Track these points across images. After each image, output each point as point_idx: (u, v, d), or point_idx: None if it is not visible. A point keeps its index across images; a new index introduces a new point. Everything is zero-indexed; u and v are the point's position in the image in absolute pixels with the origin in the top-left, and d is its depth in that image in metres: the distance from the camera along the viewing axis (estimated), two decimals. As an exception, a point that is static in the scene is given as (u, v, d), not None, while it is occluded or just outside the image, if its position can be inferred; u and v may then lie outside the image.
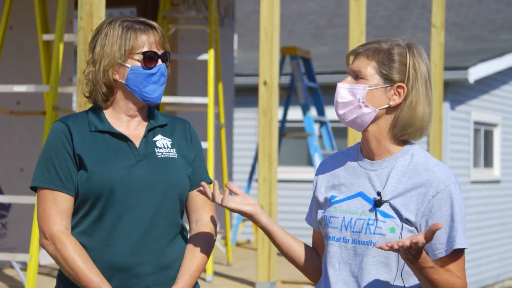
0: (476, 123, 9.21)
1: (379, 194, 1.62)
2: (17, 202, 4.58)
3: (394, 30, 11.01)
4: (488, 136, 9.60)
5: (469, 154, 9.01)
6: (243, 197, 1.70)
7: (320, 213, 1.71)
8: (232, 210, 1.67)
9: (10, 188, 4.85)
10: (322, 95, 6.75)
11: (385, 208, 1.61)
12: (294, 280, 4.76)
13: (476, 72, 8.48)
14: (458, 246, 1.60)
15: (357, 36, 4.81)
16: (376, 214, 1.61)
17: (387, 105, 1.64)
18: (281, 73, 6.32)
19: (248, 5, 11.75)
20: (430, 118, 1.65)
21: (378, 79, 1.64)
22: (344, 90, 1.65)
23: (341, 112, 1.66)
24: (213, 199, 1.68)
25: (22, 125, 4.93)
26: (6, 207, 4.86)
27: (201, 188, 1.71)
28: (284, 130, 6.76)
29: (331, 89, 9.11)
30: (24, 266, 4.51)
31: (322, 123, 6.62)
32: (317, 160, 6.23)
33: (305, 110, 6.37)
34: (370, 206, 1.62)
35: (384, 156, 1.66)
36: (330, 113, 8.33)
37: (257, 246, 4.35)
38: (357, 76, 1.65)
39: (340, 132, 8.36)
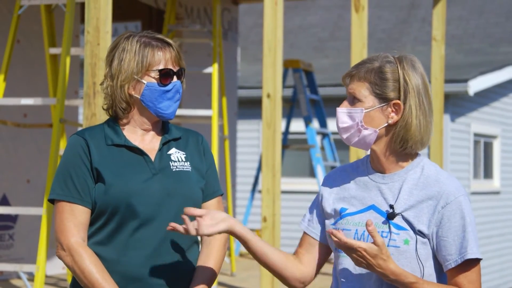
0: (476, 135, 9.28)
1: (391, 206, 1.62)
2: (24, 214, 4.63)
3: (394, 43, 11.10)
4: (488, 147, 9.66)
5: (469, 166, 9.06)
6: (211, 216, 1.66)
7: (329, 225, 1.70)
8: (209, 235, 1.66)
9: (17, 199, 4.90)
10: (324, 107, 6.82)
11: (398, 220, 1.61)
12: (298, 291, 4.78)
13: (476, 85, 8.55)
14: (470, 256, 1.58)
15: (359, 49, 4.87)
16: (389, 226, 1.61)
17: (386, 124, 1.64)
18: (284, 86, 6.39)
19: (250, 19, 11.87)
20: (427, 128, 1.64)
21: (373, 99, 1.64)
22: (343, 115, 1.66)
23: (344, 136, 1.67)
24: (187, 233, 1.65)
25: (29, 138, 4.99)
26: (13, 218, 4.91)
27: (171, 227, 1.67)
28: (287, 142, 6.82)
29: (333, 101, 9.23)
30: (31, 276, 4.55)
31: (324, 135, 6.68)
32: (320, 171, 6.28)
33: (307, 122, 6.43)
34: (383, 219, 1.62)
35: (395, 169, 1.66)
36: (332, 125, 8.41)
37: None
38: (354, 99, 1.66)
39: (342, 144, 8.43)
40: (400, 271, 1.55)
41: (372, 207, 1.65)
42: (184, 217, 1.67)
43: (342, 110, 1.67)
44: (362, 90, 1.64)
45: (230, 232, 1.68)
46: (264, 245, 1.70)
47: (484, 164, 9.53)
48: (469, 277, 1.60)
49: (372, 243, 1.54)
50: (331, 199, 1.71)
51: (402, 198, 1.63)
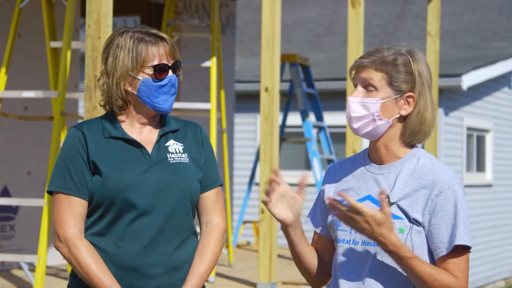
0: (469, 128, 9.38)
1: (387, 196, 1.62)
2: (24, 205, 4.69)
3: (389, 38, 11.18)
4: (481, 141, 9.76)
5: (462, 159, 9.16)
6: (291, 199, 1.66)
7: (329, 217, 1.72)
8: (277, 217, 1.65)
9: (18, 191, 4.94)
10: (320, 101, 6.89)
11: (393, 209, 1.62)
12: (294, 281, 4.86)
13: (469, 79, 8.63)
14: (458, 242, 1.60)
15: (355, 43, 4.94)
16: None
17: (398, 115, 1.65)
18: (281, 80, 6.44)
19: (247, 14, 11.92)
20: (434, 121, 1.68)
21: (389, 91, 1.64)
22: (356, 104, 1.65)
23: (355, 126, 1.66)
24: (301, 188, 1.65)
25: (30, 130, 5.03)
26: (14, 209, 4.96)
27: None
28: (284, 135, 6.88)
29: (328, 95, 9.29)
30: (32, 267, 4.58)
31: (321, 128, 6.76)
32: (316, 164, 6.36)
33: (304, 115, 6.50)
34: (379, 209, 1.61)
35: (392, 160, 1.67)
36: (328, 119, 8.49)
37: (258, 248, 4.45)
38: (368, 87, 1.65)
39: (337, 137, 8.52)
40: (401, 244, 1.57)
41: (369, 197, 1.66)
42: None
43: (355, 99, 1.66)
44: (379, 79, 1.64)
45: (286, 229, 1.68)
46: (305, 250, 1.71)
47: (476, 158, 9.64)
48: (459, 265, 1.61)
49: (379, 210, 1.54)
50: (331, 193, 1.73)
51: (397, 187, 1.64)
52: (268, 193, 1.66)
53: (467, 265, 1.63)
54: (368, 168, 1.70)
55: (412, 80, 1.65)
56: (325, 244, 1.75)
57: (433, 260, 1.65)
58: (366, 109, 1.66)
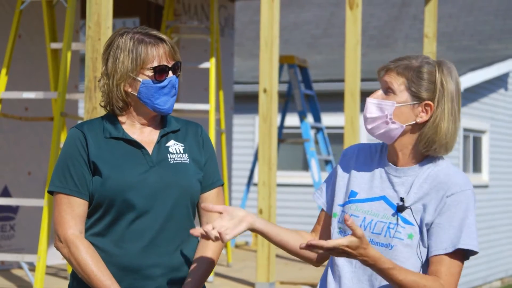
0: (465, 129, 9.43)
1: (402, 200, 1.63)
2: (25, 205, 4.71)
3: (386, 40, 11.24)
4: (477, 142, 9.81)
5: (459, 160, 9.21)
6: (230, 216, 1.64)
7: (338, 207, 1.73)
8: (234, 237, 1.64)
9: (18, 191, 4.96)
10: (318, 102, 6.94)
11: (406, 214, 1.63)
12: (292, 281, 4.88)
13: (466, 81, 8.69)
14: (462, 246, 1.59)
15: (353, 45, 4.97)
16: (397, 219, 1.63)
17: (414, 122, 1.66)
18: (279, 81, 6.49)
19: (246, 16, 11.96)
20: (454, 134, 1.66)
21: (407, 96, 1.65)
22: (373, 105, 1.67)
23: (369, 126, 1.68)
24: (217, 240, 1.63)
25: (30, 131, 5.05)
26: (14, 209, 4.98)
27: (202, 232, 1.65)
28: (282, 136, 6.92)
29: (326, 96, 9.31)
30: (32, 266, 4.59)
31: (318, 129, 6.80)
32: (314, 165, 6.40)
33: (302, 116, 6.54)
34: (393, 211, 1.64)
35: (409, 164, 1.68)
36: (326, 120, 8.53)
37: (256, 248, 4.47)
38: (387, 90, 1.67)
39: (335, 138, 8.56)
40: (378, 256, 1.57)
41: (383, 198, 1.67)
42: (201, 231, 1.63)
43: (373, 101, 1.68)
44: (399, 83, 1.65)
45: (251, 229, 1.68)
46: (283, 235, 1.71)
47: (473, 159, 9.69)
48: (451, 269, 1.61)
49: (351, 235, 1.55)
50: (346, 179, 1.73)
51: (412, 192, 1.65)
52: (217, 236, 1.63)
53: (459, 272, 1.62)
54: (386, 169, 1.70)
55: (434, 89, 1.66)
56: (327, 223, 1.77)
57: None
58: (381, 111, 1.67)
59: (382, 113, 1.67)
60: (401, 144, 1.69)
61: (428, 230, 1.64)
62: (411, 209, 1.64)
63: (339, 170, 1.76)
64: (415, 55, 1.70)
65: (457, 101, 1.68)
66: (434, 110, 1.66)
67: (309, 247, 1.55)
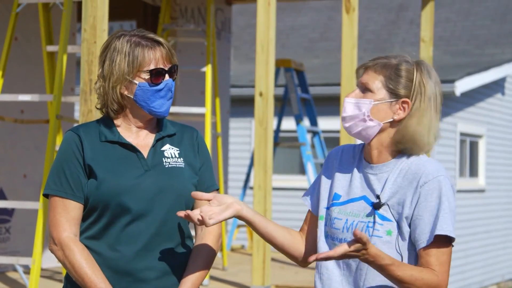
0: (462, 134, 9.45)
1: (378, 197, 1.65)
2: (20, 208, 4.71)
3: (383, 44, 11.27)
4: (474, 146, 9.83)
5: (455, 164, 9.23)
6: (218, 201, 1.67)
7: (323, 210, 1.74)
8: (216, 223, 1.66)
9: (13, 193, 4.96)
10: (315, 106, 6.95)
11: (383, 211, 1.64)
12: (288, 285, 4.89)
13: (462, 85, 8.71)
14: (439, 232, 1.59)
15: (349, 49, 4.99)
16: (374, 217, 1.64)
17: (391, 119, 1.66)
18: (275, 85, 6.49)
19: (243, 19, 11.98)
20: (430, 133, 1.66)
21: (385, 93, 1.66)
22: (350, 105, 1.68)
23: (347, 125, 1.69)
24: (201, 224, 1.66)
25: (26, 133, 5.05)
26: (9, 212, 4.98)
27: (186, 213, 1.68)
28: (278, 139, 6.92)
29: (322, 100, 9.32)
30: (27, 269, 4.61)
31: (315, 133, 6.81)
32: (310, 168, 6.41)
33: (298, 120, 6.55)
34: (370, 209, 1.65)
35: (385, 160, 1.69)
36: (322, 124, 8.53)
37: (252, 252, 4.48)
38: (365, 89, 1.68)
39: (331, 142, 8.57)
40: (378, 253, 1.58)
41: (363, 198, 1.68)
42: (187, 212, 1.67)
43: (350, 100, 1.68)
44: (376, 82, 1.67)
45: (237, 217, 1.70)
46: (270, 228, 1.73)
47: (469, 163, 9.71)
48: (440, 258, 1.61)
49: (355, 239, 1.57)
50: (330, 181, 1.75)
51: (387, 187, 1.66)
52: (202, 219, 1.65)
53: (448, 258, 1.62)
54: (363, 168, 1.71)
55: (412, 87, 1.66)
56: (314, 223, 1.78)
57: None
58: (358, 109, 1.68)
59: (359, 111, 1.68)
60: (378, 142, 1.69)
61: (410, 224, 1.65)
62: (388, 205, 1.65)
63: (324, 173, 1.78)
64: (394, 54, 1.71)
65: (434, 101, 1.68)
66: (411, 107, 1.66)
67: (320, 259, 1.58)
